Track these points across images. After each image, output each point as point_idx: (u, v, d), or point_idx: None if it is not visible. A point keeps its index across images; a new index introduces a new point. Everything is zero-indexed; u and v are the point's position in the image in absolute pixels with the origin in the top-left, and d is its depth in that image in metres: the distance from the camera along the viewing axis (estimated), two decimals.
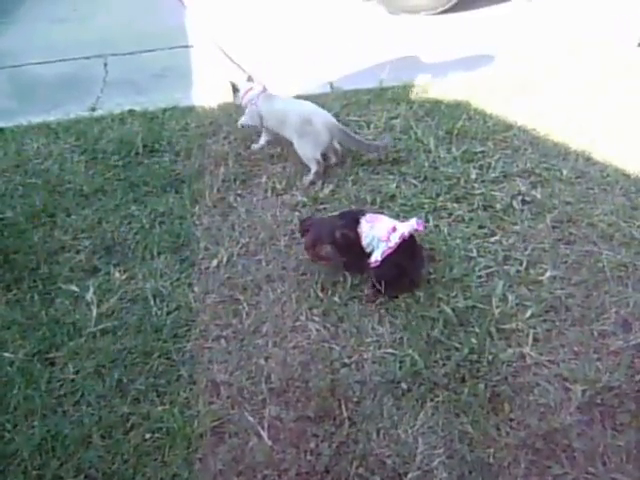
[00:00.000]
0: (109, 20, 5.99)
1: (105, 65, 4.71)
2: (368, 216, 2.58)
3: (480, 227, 2.91)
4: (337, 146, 3.43)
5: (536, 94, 4.07)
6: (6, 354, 2.38)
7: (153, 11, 6.10)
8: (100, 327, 2.47)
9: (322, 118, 3.33)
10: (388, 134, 3.59)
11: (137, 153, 3.64)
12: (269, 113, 3.47)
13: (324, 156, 3.35)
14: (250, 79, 3.68)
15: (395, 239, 2.46)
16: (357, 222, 2.56)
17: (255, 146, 3.62)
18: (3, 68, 5.18)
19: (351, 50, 5.06)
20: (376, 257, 2.48)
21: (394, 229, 2.48)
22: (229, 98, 3.88)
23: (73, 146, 3.78)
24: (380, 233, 2.49)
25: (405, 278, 2.52)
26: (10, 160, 3.68)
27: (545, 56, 4.63)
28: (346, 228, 2.56)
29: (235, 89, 3.62)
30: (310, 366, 2.26)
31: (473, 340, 2.31)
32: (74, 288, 2.66)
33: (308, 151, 3.31)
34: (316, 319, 2.45)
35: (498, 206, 3.02)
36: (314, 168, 3.30)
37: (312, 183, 3.29)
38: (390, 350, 2.30)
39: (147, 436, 2.06)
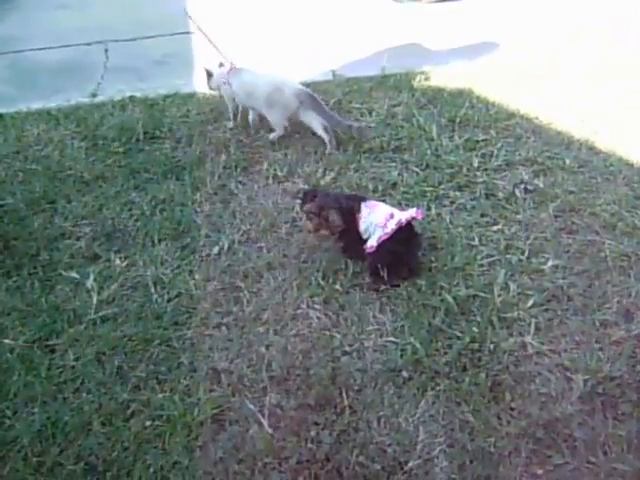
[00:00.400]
0: (110, 6, 5.97)
1: (106, 51, 4.67)
2: (368, 202, 2.57)
3: (482, 215, 2.90)
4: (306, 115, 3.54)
5: (539, 82, 4.06)
6: (6, 341, 2.37)
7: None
8: (100, 314, 2.46)
9: (291, 86, 3.53)
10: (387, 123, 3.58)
11: (138, 140, 3.62)
12: (239, 87, 3.61)
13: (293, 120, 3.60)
14: (222, 65, 3.76)
15: (392, 225, 2.45)
16: (359, 203, 2.55)
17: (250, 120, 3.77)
18: (4, 54, 5.17)
19: (353, 37, 5.05)
20: (372, 243, 2.47)
21: (392, 216, 2.48)
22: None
23: (74, 132, 3.77)
24: (377, 219, 2.49)
25: (401, 265, 2.51)
26: (10, 146, 3.66)
27: (547, 44, 4.62)
28: (351, 201, 2.56)
29: (209, 74, 3.74)
30: (311, 354, 2.25)
31: (474, 329, 2.30)
32: (74, 275, 2.65)
33: (277, 117, 3.56)
34: (317, 307, 2.44)
35: (500, 195, 3.01)
36: (280, 132, 3.58)
37: (274, 140, 3.59)
38: (391, 338, 2.29)
39: (147, 423, 2.05)
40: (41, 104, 4.14)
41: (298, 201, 2.97)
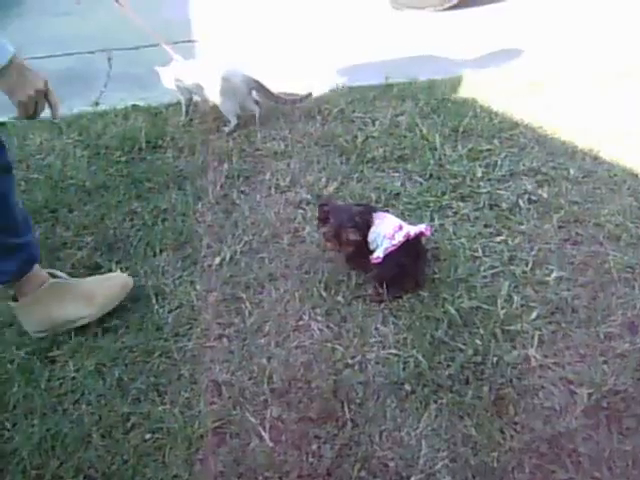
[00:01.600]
0: (113, 14, 5.94)
1: (109, 60, 4.67)
2: (378, 213, 2.55)
3: (486, 226, 2.88)
4: (256, 98, 3.81)
5: (543, 92, 4.04)
6: (6, 352, 2.36)
7: (157, 5, 6.07)
8: (101, 325, 2.45)
9: (238, 74, 3.69)
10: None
11: (140, 149, 3.61)
12: (189, 80, 3.79)
13: (245, 108, 3.79)
14: (172, 60, 3.89)
15: (399, 237, 2.43)
16: (371, 213, 2.53)
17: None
18: None
19: (356, 46, 5.04)
20: (378, 254, 2.45)
21: (400, 227, 2.46)
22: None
23: (76, 141, 3.76)
24: (386, 230, 2.46)
25: (406, 277, 2.49)
26: (13, 155, 3.62)
27: (552, 53, 4.61)
28: (364, 213, 2.54)
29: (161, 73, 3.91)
30: (313, 366, 2.23)
31: (478, 341, 2.28)
32: None
33: (229, 106, 3.72)
34: (319, 319, 2.43)
35: (504, 205, 2.99)
36: (234, 121, 3.73)
37: (231, 133, 3.75)
38: (394, 351, 2.28)
39: (147, 436, 2.03)
40: (44, 113, 4.12)
41: (301, 211, 2.96)
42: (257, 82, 3.73)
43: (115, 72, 4.59)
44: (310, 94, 3.93)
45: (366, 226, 2.51)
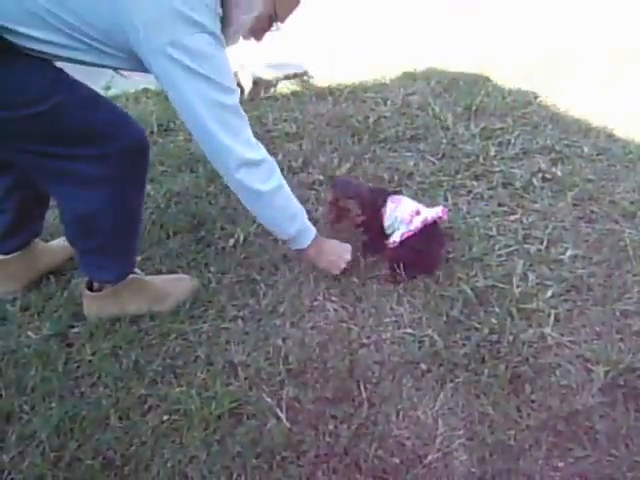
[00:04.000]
0: None
1: None
2: (394, 197, 2.54)
3: (500, 205, 2.87)
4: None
5: (557, 70, 4.02)
6: (23, 336, 2.37)
7: None
8: None
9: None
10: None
11: (152, 132, 3.61)
12: None
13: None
14: None
15: (417, 223, 2.42)
16: (385, 198, 2.52)
17: None
18: None
19: (368, 26, 5.01)
20: (394, 238, 2.44)
21: (417, 212, 2.44)
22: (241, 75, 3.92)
23: None
24: (403, 215, 2.45)
25: (423, 262, 2.49)
26: None
27: (566, 31, 4.57)
28: (375, 194, 2.52)
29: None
30: (328, 347, 2.23)
31: (493, 320, 2.27)
32: None
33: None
34: (334, 299, 2.43)
35: (518, 184, 2.98)
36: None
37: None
38: (409, 330, 2.28)
39: (164, 418, 2.04)
40: None
41: (313, 192, 2.95)
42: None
43: None
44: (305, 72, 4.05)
45: (372, 205, 2.50)
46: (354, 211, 2.50)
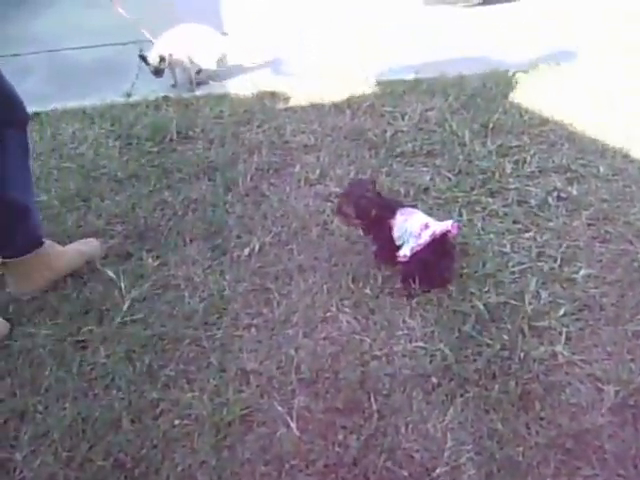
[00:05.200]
0: (144, 5, 6.00)
1: (141, 51, 4.72)
2: (404, 209, 2.56)
3: (514, 222, 2.88)
4: None
5: (573, 89, 4.02)
6: (39, 336, 2.40)
7: None
8: (132, 312, 2.48)
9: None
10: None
11: (171, 140, 3.65)
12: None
13: None
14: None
15: (426, 236, 2.44)
16: (394, 209, 2.54)
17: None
18: (41, 52, 5.23)
19: (387, 40, 5.03)
20: (405, 252, 2.46)
21: (426, 226, 2.46)
22: (263, 87, 3.96)
23: (108, 131, 3.80)
24: (412, 228, 2.48)
25: (433, 275, 2.50)
26: (46, 144, 3.70)
27: (584, 50, 4.57)
28: (377, 205, 2.53)
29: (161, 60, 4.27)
30: (340, 357, 2.25)
31: (505, 336, 2.28)
32: (107, 273, 2.67)
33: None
34: (347, 310, 2.44)
35: (533, 202, 2.99)
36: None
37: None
38: (421, 344, 2.29)
39: (176, 422, 2.06)
40: (76, 103, 4.19)
41: (329, 204, 2.97)
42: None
43: None
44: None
45: (365, 210, 2.51)
46: (352, 216, 2.54)
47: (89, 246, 2.80)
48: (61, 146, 3.69)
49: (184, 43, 4.28)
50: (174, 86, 4.41)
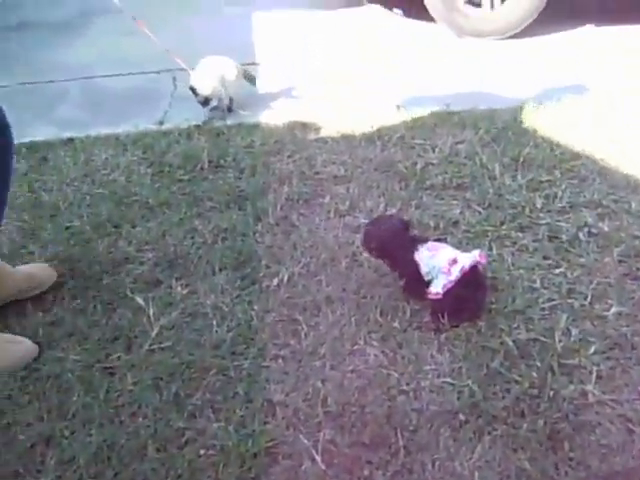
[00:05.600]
0: (178, 35, 6.11)
1: (174, 79, 4.80)
2: (430, 244, 2.56)
3: (544, 258, 2.86)
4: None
5: (606, 123, 4.00)
6: (67, 361, 2.42)
7: (220, 27, 6.22)
8: (160, 340, 2.50)
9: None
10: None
11: (202, 168, 3.68)
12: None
13: None
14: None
15: (456, 272, 2.43)
16: (419, 245, 2.54)
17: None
18: (75, 80, 5.32)
19: (417, 72, 5.06)
20: (437, 290, 2.46)
21: (454, 261, 2.46)
22: (294, 116, 4.02)
23: (140, 159, 3.85)
24: (441, 264, 2.47)
25: (465, 309, 2.49)
26: (79, 170, 3.76)
27: (616, 84, 4.56)
28: (401, 240, 2.57)
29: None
30: (367, 391, 2.24)
31: (534, 374, 2.26)
32: (136, 299, 2.69)
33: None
34: (375, 344, 2.43)
35: (564, 237, 2.97)
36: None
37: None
38: (448, 380, 2.27)
39: (201, 452, 2.06)
40: (110, 130, 4.25)
41: (359, 236, 2.97)
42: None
43: (179, 92, 4.70)
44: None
45: (390, 246, 2.57)
46: (377, 251, 2.61)
47: (41, 271, 2.82)
48: (94, 172, 3.73)
49: (220, 73, 4.35)
50: (212, 113, 4.45)
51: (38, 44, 6.29)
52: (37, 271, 2.81)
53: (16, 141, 4.07)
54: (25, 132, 4.26)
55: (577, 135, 3.84)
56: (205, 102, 4.36)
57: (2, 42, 6.51)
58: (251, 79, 4.64)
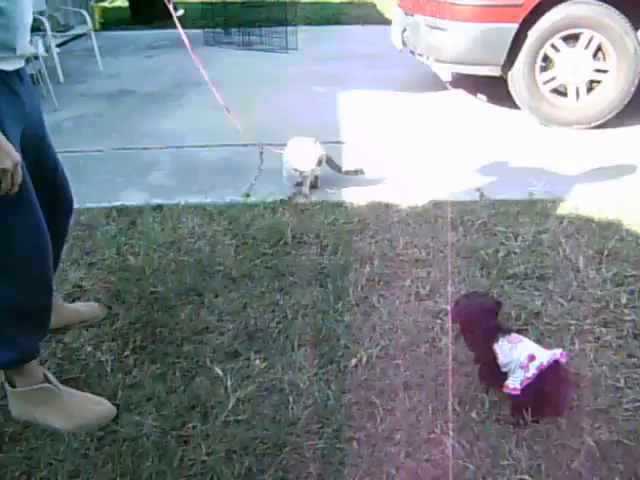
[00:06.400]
0: (267, 111, 6.32)
1: (261, 154, 4.94)
2: (512, 336, 2.53)
3: (629, 356, 2.78)
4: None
5: None
6: (144, 425, 2.46)
7: (309, 107, 6.41)
8: (236, 412, 2.51)
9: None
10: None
11: (285, 243, 3.75)
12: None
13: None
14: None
15: (533, 369, 2.40)
16: (495, 336, 2.52)
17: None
18: (168, 148, 5.54)
19: (501, 159, 5.08)
20: (515, 385, 2.42)
21: (533, 357, 2.42)
22: (377, 196, 4.04)
23: (225, 229, 3.95)
24: (521, 358, 2.44)
25: (546, 405, 2.43)
26: (166, 236, 3.88)
27: None
28: (485, 324, 2.58)
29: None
30: None
31: (617, 479, 2.18)
32: (215, 369, 2.73)
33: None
34: (451, 434, 2.39)
35: None
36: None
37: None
38: (526, 477, 2.21)
39: None
40: (198, 199, 4.39)
41: (439, 321, 2.97)
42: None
43: (266, 166, 4.83)
44: (361, 170, 4.67)
45: (463, 324, 2.65)
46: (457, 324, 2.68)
47: (89, 309, 3.04)
48: (180, 239, 3.85)
49: (317, 155, 4.48)
50: (297, 189, 4.54)
51: (137, 114, 6.60)
52: (85, 308, 3.03)
53: (107, 204, 4.32)
54: (117, 196, 4.46)
55: None
56: (302, 182, 4.48)
57: (100, 109, 6.86)
58: (335, 167, 4.70)
